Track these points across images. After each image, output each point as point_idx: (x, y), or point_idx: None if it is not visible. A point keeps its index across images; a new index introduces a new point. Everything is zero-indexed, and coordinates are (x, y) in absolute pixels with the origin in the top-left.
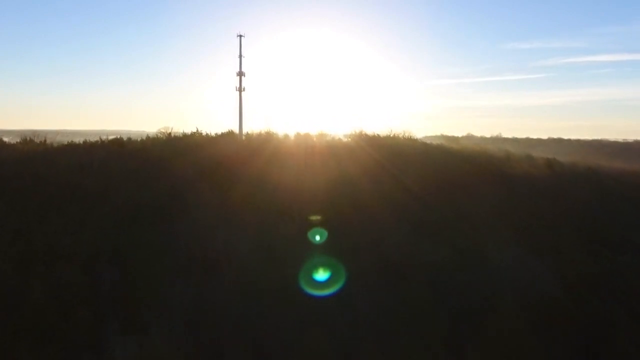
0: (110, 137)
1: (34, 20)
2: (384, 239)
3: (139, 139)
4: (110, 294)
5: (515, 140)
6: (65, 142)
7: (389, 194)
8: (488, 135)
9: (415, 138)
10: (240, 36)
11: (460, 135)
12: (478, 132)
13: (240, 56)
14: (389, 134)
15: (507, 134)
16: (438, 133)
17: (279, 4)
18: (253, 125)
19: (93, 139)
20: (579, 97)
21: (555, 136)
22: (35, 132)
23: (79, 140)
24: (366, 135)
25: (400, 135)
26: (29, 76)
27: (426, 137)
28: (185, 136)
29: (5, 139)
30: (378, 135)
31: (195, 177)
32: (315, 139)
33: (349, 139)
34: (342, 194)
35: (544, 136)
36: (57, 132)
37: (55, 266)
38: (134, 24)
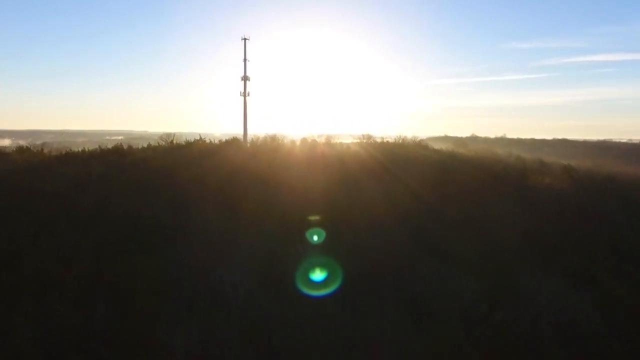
0: (111, 143)
1: (36, 21)
2: (406, 269)
3: (140, 147)
4: (104, 335)
5: (520, 142)
6: (63, 152)
7: (407, 214)
8: (492, 136)
9: (425, 144)
10: (245, 39)
11: (464, 136)
12: (482, 133)
13: (245, 60)
14: (397, 139)
15: (511, 134)
16: (442, 134)
17: (279, 5)
18: (257, 127)
19: (95, 139)
20: (580, 96)
21: (558, 136)
22: (37, 133)
23: (81, 140)
24: (375, 141)
25: (410, 141)
26: (31, 77)
27: (430, 137)
28: (188, 144)
29: (7, 141)
30: (387, 141)
31: (199, 194)
32: (322, 146)
33: (358, 147)
34: (359, 217)
35: (548, 136)
36: (60, 132)
37: (45, 299)
38: (135, 26)
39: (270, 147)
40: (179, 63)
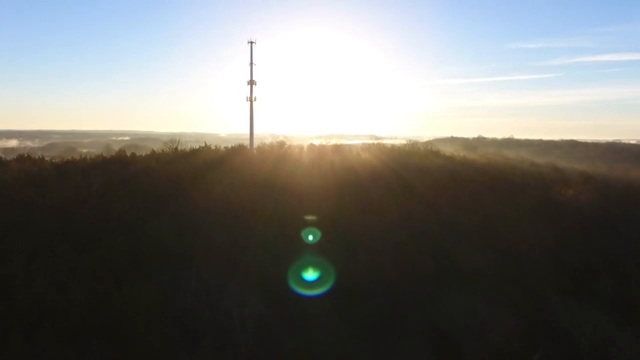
0: (117, 144)
1: (45, 23)
2: (430, 298)
3: (144, 153)
4: None
5: (528, 144)
6: (65, 159)
7: (426, 233)
8: (499, 138)
9: (436, 150)
10: (251, 42)
11: (470, 137)
12: (488, 133)
13: (252, 64)
14: (407, 144)
15: (518, 134)
16: (448, 134)
17: (284, 6)
18: (263, 127)
19: (101, 140)
20: (587, 97)
21: (565, 137)
22: (45, 133)
23: (87, 141)
24: (384, 145)
25: (421, 146)
26: (39, 78)
27: (436, 139)
28: (192, 152)
29: (14, 142)
30: (397, 146)
31: (205, 209)
32: (331, 154)
33: (368, 154)
34: (375, 238)
35: (556, 137)
36: (67, 133)
37: (36, 335)
38: (141, 28)
39: (278, 155)
40: (184, 64)
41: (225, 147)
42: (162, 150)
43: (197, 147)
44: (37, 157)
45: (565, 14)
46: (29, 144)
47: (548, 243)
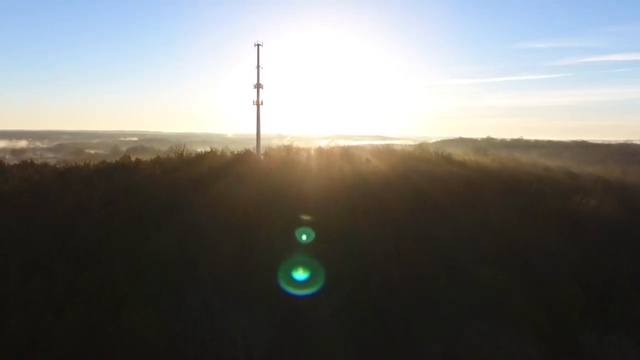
0: (125, 145)
1: (54, 24)
2: (451, 327)
3: (149, 159)
4: None
5: (538, 145)
6: (68, 164)
7: (445, 253)
8: (508, 139)
9: (447, 155)
10: (258, 45)
11: (479, 137)
12: (497, 134)
13: (258, 67)
14: (417, 148)
15: (527, 135)
16: (456, 135)
17: (291, 6)
18: (269, 127)
19: (110, 140)
20: (597, 97)
21: (575, 138)
22: (54, 133)
23: (95, 142)
24: (393, 149)
25: (431, 151)
26: (49, 78)
27: (445, 140)
28: (198, 158)
29: (24, 142)
30: (407, 150)
31: (210, 224)
32: (340, 160)
33: (379, 161)
34: (390, 256)
35: (566, 138)
36: (76, 133)
37: (30, 357)
38: (149, 29)
39: (285, 161)
40: (192, 65)
41: (231, 152)
42: (167, 155)
43: (203, 152)
44: (40, 163)
45: (574, 14)
46: (39, 144)
47: (572, 261)
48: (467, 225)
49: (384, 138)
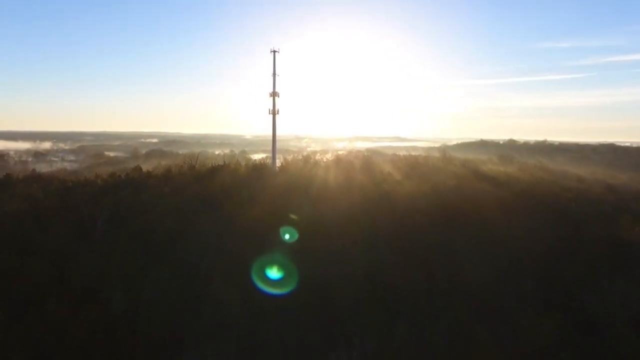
0: (145, 147)
1: (79, 28)
2: None
3: (160, 173)
4: None
5: (565, 149)
6: (76, 179)
7: (478, 287)
8: (532, 141)
9: (474, 166)
10: (274, 52)
11: (500, 140)
12: (519, 135)
13: (274, 74)
14: (441, 158)
15: (551, 136)
16: (476, 136)
17: (311, 5)
18: (285, 128)
19: (130, 142)
20: (621, 97)
21: (601, 139)
22: (77, 135)
23: (117, 143)
24: (416, 161)
25: (457, 161)
26: (73, 80)
27: (465, 142)
28: (211, 171)
29: (48, 144)
30: (430, 162)
31: (215, 264)
32: (360, 174)
33: (400, 174)
34: (416, 293)
35: (592, 139)
36: (98, 134)
37: None
38: (170, 32)
39: (301, 177)
40: (212, 67)
41: (245, 164)
42: (181, 166)
43: (216, 165)
44: (52, 171)
45: (596, 13)
46: (62, 145)
47: (628, 304)
48: (504, 259)
49: (403, 139)
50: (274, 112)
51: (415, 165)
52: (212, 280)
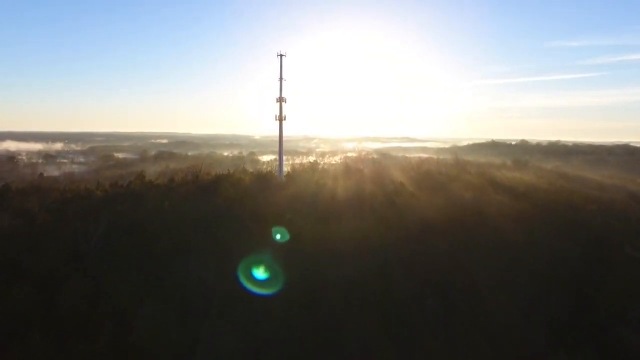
0: (154, 148)
1: (89, 30)
2: None
3: (163, 183)
4: None
5: (579, 150)
6: (78, 189)
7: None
8: (545, 142)
9: (490, 176)
10: (281, 55)
11: (512, 140)
12: (531, 135)
13: (281, 79)
14: (455, 166)
15: (564, 136)
16: (487, 137)
17: (320, 4)
18: (293, 128)
19: (140, 143)
20: (635, 96)
21: (615, 139)
22: (88, 135)
23: (126, 144)
24: (429, 170)
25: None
26: (84, 81)
27: (476, 144)
28: (215, 181)
29: (59, 145)
30: (446, 172)
31: (218, 293)
32: (370, 184)
33: (413, 186)
34: (438, 335)
35: (605, 139)
36: (109, 135)
37: None
38: (179, 35)
39: (307, 188)
40: (223, 68)
41: (251, 173)
42: (184, 175)
43: (220, 173)
44: (47, 187)
45: (608, 11)
46: (73, 146)
47: None
48: (530, 288)
49: (412, 140)
50: (280, 119)
51: (428, 174)
52: (209, 313)
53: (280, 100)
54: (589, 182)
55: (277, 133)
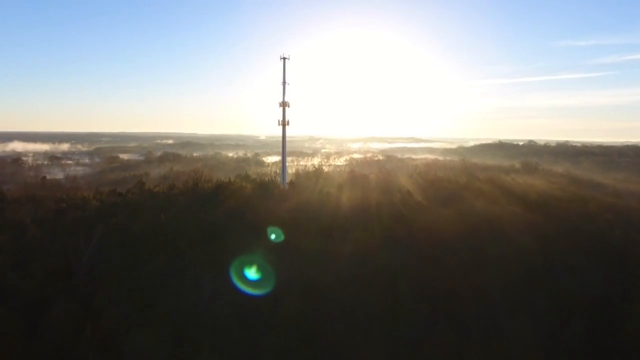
0: (160, 148)
1: (97, 32)
2: None
3: (162, 191)
4: None
5: (588, 151)
6: (74, 197)
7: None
8: (553, 142)
9: (502, 183)
10: (284, 59)
11: (520, 141)
12: (538, 136)
13: (284, 83)
14: (464, 173)
15: (571, 136)
16: (494, 137)
17: (326, 3)
18: (298, 129)
19: (146, 143)
20: None
21: (623, 139)
22: (95, 135)
23: (132, 145)
24: (438, 177)
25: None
26: (92, 82)
27: (483, 144)
28: (215, 191)
29: (66, 145)
30: (455, 180)
31: (212, 306)
32: (376, 193)
33: (420, 194)
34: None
35: (614, 139)
36: (115, 136)
37: None
38: (186, 36)
39: (311, 198)
40: (228, 68)
41: (253, 180)
42: (185, 182)
43: (221, 181)
44: (42, 196)
45: (615, 10)
46: (80, 147)
47: None
48: (548, 311)
49: (418, 140)
50: (283, 124)
51: (436, 181)
52: (202, 345)
53: (284, 104)
54: (602, 187)
55: (281, 134)
